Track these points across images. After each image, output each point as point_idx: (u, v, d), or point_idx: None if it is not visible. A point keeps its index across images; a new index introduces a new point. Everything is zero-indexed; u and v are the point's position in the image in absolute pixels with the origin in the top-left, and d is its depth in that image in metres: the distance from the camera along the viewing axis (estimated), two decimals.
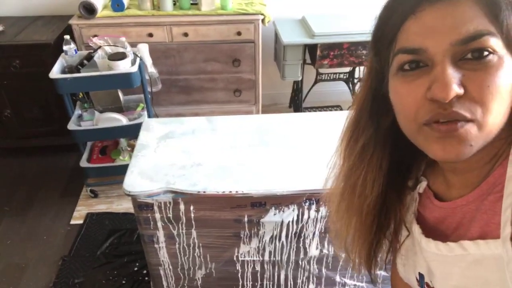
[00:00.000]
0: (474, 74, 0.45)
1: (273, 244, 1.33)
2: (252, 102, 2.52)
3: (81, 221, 2.03)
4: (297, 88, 2.72)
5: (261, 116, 1.62)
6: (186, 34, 2.24)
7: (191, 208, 1.23)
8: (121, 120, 2.01)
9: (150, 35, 2.23)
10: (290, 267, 1.41)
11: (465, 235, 0.55)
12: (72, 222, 2.04)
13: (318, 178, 1.02)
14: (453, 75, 0.45)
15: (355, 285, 1.48)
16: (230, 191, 1.19)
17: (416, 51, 0.47)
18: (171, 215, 1.24)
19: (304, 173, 1.24)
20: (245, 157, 1.33)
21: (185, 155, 1.33)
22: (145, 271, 1.75)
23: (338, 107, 2.83)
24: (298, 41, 2.31)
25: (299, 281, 1.46)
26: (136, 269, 1.78)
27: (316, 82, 2.65)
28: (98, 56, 1.93)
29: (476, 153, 0.48)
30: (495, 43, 0.45)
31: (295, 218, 1.27)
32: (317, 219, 1.27)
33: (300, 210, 1.25)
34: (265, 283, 1.46)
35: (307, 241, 1.33)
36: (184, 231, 1.29)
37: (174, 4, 2.29)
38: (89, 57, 1.92)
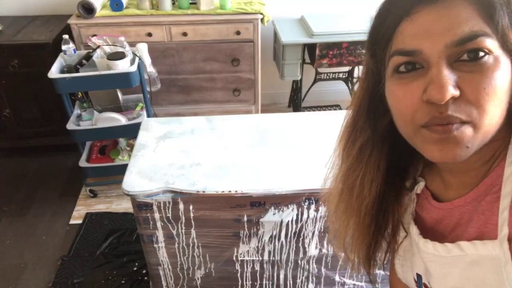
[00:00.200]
0: (470, 76, 0.45)
1: (272, 244, 1.33)
2: (251, 102, 2.52)
3: (80, 221, 2.03)
4: (296, 87, 2.72)
5: (261, 115, 1.61)
6: (185, 34, 2.24)
7: (190, 207, 1.23)
8: (120, 119, 2.01)
9: (149, 34, 2.23)
10: (289, 267, 1.41)
11: (463, 235, 0.55)
12: (71, 222, 2.04)
13: (317, 177, 1.02)
14: (448, 77, 0.45)
15: (354, 284, 1.48)
16: (230, 191, 1.19)
17: (412, 53, 0.47)
18: (170, 215, 1.24)
19: (304, 173, 1.24)
20: (244, 156, 1.33)
21: (184, 155, 1.33)
22: (144, 271, 1.75)
23: (337, 107, 2.83)
24: (297, 40, 2.31)
25: (298, 280, 1.46)
26: (135, 269, 1.78)
27: (315, 81, 2.66)
28: (97, 56, 1.93)
29: (473, 154, 0.48)
30: (491, 43, 0.45)
31: (295, 218, 1.27)
32: (316, 218, 1.27)
33: (300, 209, 1.25)
34: (264, 282, 1.46)
35: (307, 240, 1.33)
36: (183, 231, 1.29)
37: (173, 4, 2.29)
38: (88, 57, 1.92)
